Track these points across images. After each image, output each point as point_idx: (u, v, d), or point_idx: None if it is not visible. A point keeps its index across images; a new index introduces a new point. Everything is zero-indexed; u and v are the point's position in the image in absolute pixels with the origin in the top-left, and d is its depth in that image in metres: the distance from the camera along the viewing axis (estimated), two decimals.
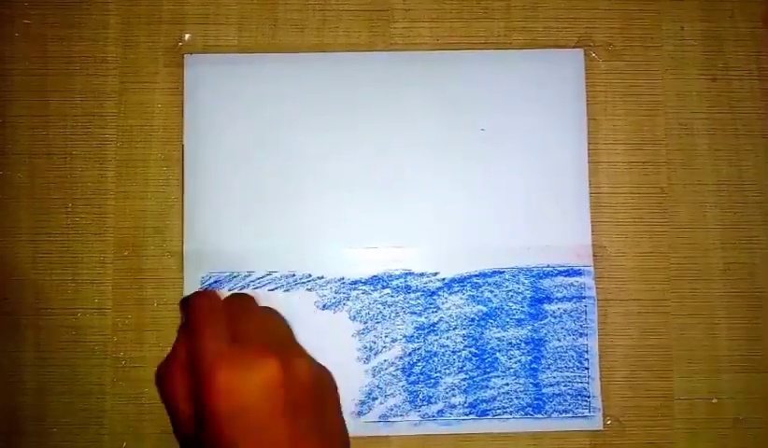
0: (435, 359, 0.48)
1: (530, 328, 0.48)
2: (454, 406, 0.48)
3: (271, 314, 0.31)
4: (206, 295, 0.31)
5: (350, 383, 0.47)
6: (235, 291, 0.31)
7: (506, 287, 0.48)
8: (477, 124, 0.49)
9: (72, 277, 0.48)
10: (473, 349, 0.48)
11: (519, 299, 0.48)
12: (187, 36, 0.50)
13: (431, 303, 0.48)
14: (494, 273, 0.49)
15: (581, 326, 0.48)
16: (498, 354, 0.48)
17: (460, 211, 0.49)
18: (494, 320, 0.48)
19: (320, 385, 0.28)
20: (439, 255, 0.49)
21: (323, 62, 0.50)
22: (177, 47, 0.50)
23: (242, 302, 0.31)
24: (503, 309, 0.48)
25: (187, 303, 0.30)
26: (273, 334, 0.30)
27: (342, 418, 0.29)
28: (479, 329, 0.48)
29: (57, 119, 0.49)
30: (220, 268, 0.48)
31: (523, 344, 0.48)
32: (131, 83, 0.49)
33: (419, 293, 0.48)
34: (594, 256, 0.49)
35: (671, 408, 0.48)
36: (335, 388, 0.29)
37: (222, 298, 0.31)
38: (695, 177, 0.50)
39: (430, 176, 0.49)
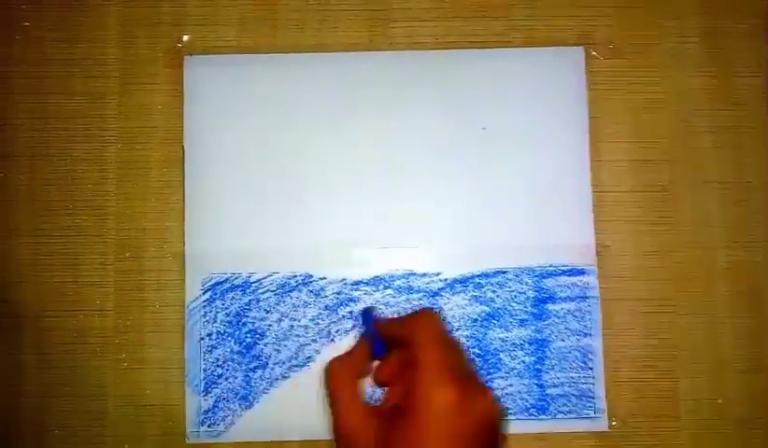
0: None
1: (533, 328, 0.48)
2: None
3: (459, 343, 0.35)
4: (432, 314, 0.34)
5: None
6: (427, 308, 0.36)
7: (509, 287, 0.48)
8: (479, 123, 0.49)
9: (73, 279, 0.48)
10: (476, 350, 0.48)
11: (523, 299, 0.48)
12: (186, 37, 0.50)
13: (433, 304, 0.48)
14: (497, 273, 0.48)
15: (585, 326, 0.48)
16: (501, 354, 0.48)
17: (462, 211, 0.49)
18: (497, 321, 0.48)
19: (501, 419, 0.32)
20: (441, 255, 0.48)
21: (323, 62, 0.49)
22: (177, 48, 0.50)
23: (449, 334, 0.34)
24: (506, 309, 0.48)
25: (414, 321, 0.34)
26: (470, 366, 0.33)
27: None
28: (482, 330, 0.48)
29: (57, 120, 0.49)
30: (221, 269, 0.48)
31: (527, 345, 0.48)
32: (131, 85, 0.49)
33: (421, 294, 0.48)
34: (597, 255, 0.48)
35: (676, 408, 0.48)
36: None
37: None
38: (698, 175, 0.49)
39: (431, 176, 0.49)
